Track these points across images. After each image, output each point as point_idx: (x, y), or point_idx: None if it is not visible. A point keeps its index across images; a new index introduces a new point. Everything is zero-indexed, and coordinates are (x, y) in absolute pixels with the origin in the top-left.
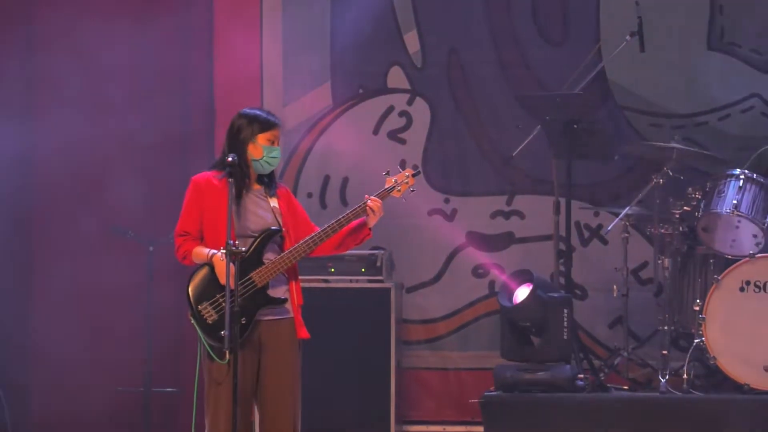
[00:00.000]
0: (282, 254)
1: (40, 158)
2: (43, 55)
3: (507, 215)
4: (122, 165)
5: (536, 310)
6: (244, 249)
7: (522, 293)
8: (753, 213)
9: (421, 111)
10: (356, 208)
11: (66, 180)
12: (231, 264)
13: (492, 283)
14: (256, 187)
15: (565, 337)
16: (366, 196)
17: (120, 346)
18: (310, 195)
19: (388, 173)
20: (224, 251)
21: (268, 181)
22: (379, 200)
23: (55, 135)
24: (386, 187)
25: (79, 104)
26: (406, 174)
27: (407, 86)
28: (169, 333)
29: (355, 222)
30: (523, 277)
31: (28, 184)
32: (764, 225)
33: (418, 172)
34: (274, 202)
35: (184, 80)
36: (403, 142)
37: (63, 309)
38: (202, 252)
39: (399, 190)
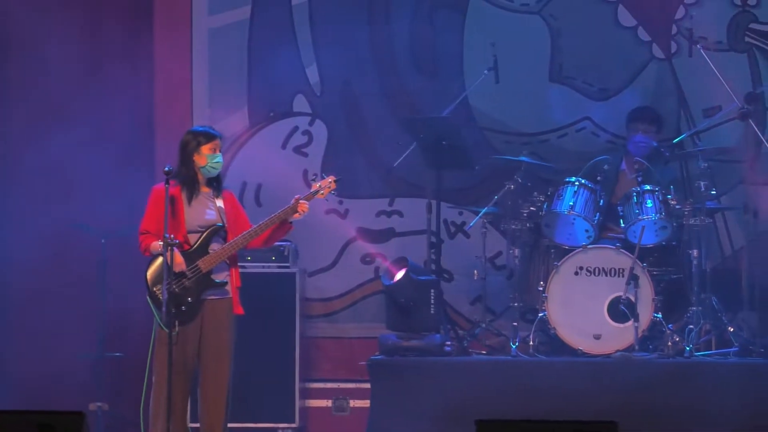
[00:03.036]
0: (224, 246)
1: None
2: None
3: (389, 214)
4: (80, 173)
5: (409, 288)
6: (178, 241)
7: (399, 275)
8: (585, 212)
9: (320, 130)
10: (286, 208)
11: (34, 182)
12: (175, 252)
13: (377, 269)
14: (205, 190)
15: (432, 312)
16: (297, 196)
17: (78, 320)
18: None
19: (314, 179)
20: (165, 243)
21: (216, 185)
22: (307, 202)
23: (24, 146)
24: (312, 190)
25: (45, 124)
26: (329, 180)
27: (309, 110)
28: (119, 309)
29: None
30: (401, 262)
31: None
32: (594, 222)
33: (340, 179)
34: (219, 203)
35: (130, 101)
36: (305, 155)
37: (34, 291)
38: (158, 246)
39: (322, 193)
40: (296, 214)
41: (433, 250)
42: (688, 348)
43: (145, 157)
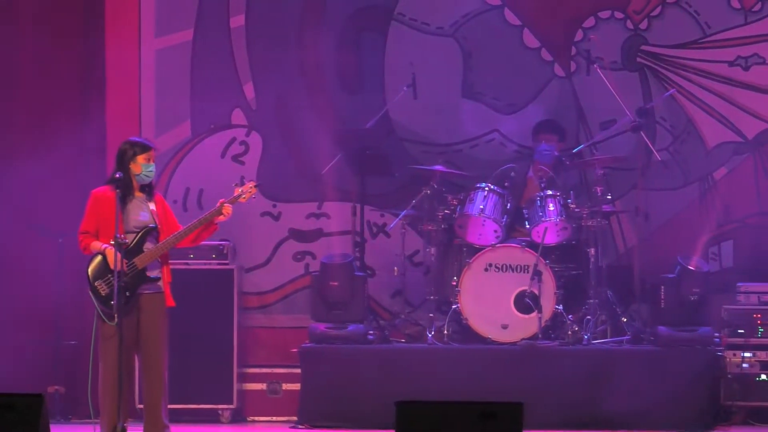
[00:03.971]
0: (157, 245)
1: None
2: None
3: (318, 216)
4: (41, 180)
5: (346, 276)
6: (127, 241)
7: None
8: (494, 214)
9: (255, 141)
10: (212, 211)
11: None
12: (118, 251)
13: (307, 266)
14: (139, 194)
15: (363, 305)
16: (221, 200)
17: (38, 312)
18: (175, 202)
19: (237, 184)
20: (113, 243)
21: (148, 190)
22: (231, 205)
23: None
24: (234, 195)
25: (10, 137)
26: (250, 185)
27: (245, 123)
28: (74, 302)
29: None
30: (345, 257)
31: None
32: (502, 223)
33: (260, 184)
34: (152, 206)
35: (86, 114)
36: (242, 163)
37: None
38: (97, 245)
39: (244, 197)
40: (221, 217)
41: (357, 249)
42: (586, 336)
43: (98, 165)
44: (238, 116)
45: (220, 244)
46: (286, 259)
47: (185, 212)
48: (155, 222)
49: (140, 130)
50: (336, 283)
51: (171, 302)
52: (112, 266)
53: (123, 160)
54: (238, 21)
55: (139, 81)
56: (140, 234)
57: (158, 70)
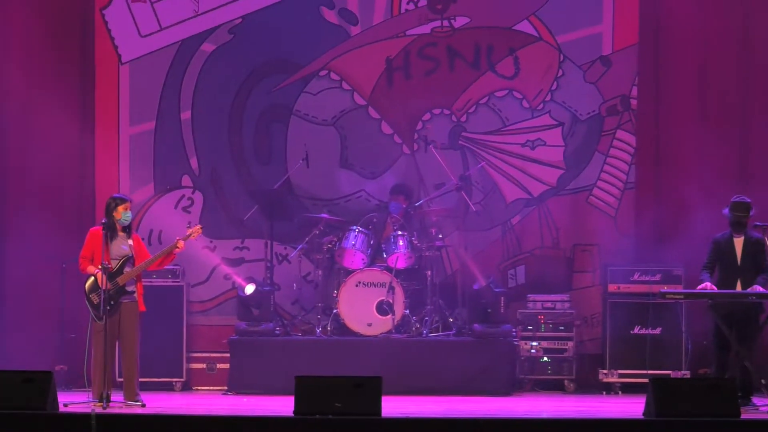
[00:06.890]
0: (133, 268)
1: None
2: None
3: (241, 249)
4: (46, 222)
5: (257, 297)
6: (110, 266)
7: (249, 289)
8: (362, 248)
9: (198, 197)
10: (171, 246)
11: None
12: (104, 273)
13: (233, 283)
14: (121, 233)
15: (272, 310)
16: (177, 238)
17: (49, 315)
18: (143, 239)
19: (189, 225)
20: (101, 268)
21: (128, 230)
22: (184, 241)
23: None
24: (187, 234)
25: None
26: (197, 227)
27: (191, 185)
28: (73, 308)
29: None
30: (251, 279)
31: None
32: (368, 254)
33: (203, 226)
34: (130, 242)
35: (82, 177)
36: (189, 212)
37: (17, 298)
38: (92, 269)
39: (194, 236)
40: (177, 249)
41: (268, 272)
42: (425, 331)
43: (89, 213)
44: (186, 180)
45: (174, 268)
46: (219, 278)
47: (149, 246)
48: (132, 253)
49: (119, 187)
50: (252, 302)
51: (143, 308)
52: (100, 285)
53: (108, 210)
54: (186, 115)
55: (118, 154)
56: (121, 261)
57: (131, 147)
